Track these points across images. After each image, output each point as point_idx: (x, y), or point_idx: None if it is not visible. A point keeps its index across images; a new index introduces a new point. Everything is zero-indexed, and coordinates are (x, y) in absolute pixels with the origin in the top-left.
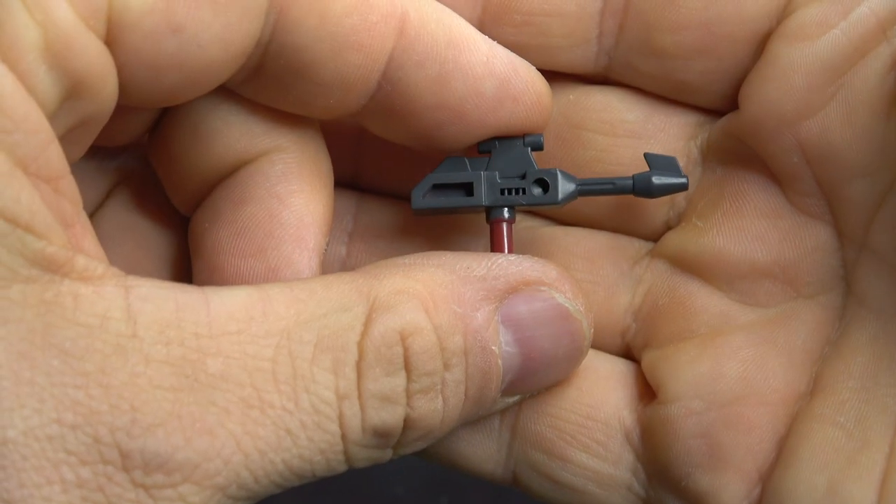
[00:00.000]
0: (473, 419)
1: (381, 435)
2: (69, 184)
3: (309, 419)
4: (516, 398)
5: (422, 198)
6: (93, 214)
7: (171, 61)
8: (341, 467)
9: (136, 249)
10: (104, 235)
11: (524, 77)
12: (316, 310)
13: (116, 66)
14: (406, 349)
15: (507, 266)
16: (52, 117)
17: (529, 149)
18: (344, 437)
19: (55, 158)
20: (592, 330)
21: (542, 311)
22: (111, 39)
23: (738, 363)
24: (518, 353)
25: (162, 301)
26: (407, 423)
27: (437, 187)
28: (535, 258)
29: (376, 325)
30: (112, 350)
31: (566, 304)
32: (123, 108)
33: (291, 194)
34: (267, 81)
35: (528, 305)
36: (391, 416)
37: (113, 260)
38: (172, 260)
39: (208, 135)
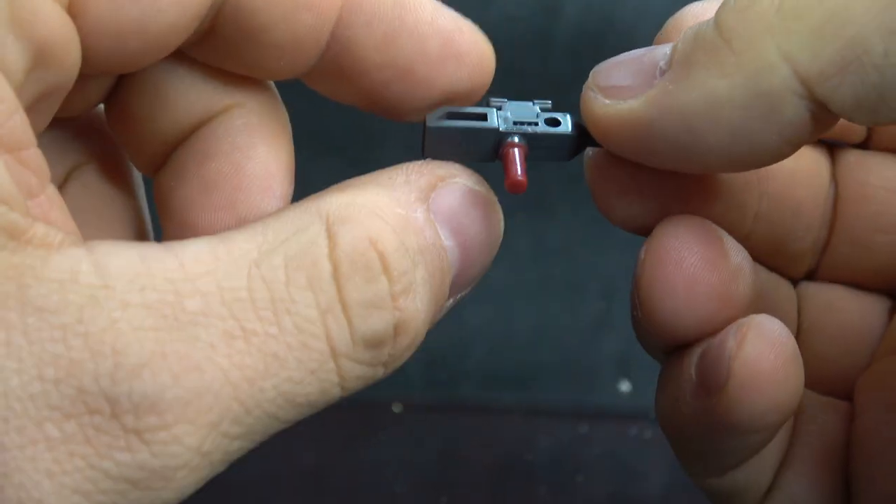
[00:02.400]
0: (430, 326)
1: (372, 345)
2: (35, 155)
3: (294, 340)
4: (451, 301)
5: (436, 119)
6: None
7: (133, 27)
8: (335, 390)
9: (99, 229)
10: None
11: (468, 36)
12: (276, 237)
13: (81, 35)
14: (380, 253)
15: (419, 168)
16: (20, 88)
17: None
18: (333, 351)
19: (19, 129)
20: (502, 215)
21: (465, 200)
22: (75, 9)
23: None
24: (456, 246)
25: (127, 254)
26: (397, 328)
27: (452, 115)
28: (441, 162)
29: (342, 236)
30: (86, 301)
31: (479, 189)
32: (82, 76)
33: (254, 146)
34: (219, 43)
35: (451, 197)
36: (380, 322)
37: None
38: (138, 237)
39: (167, 96)
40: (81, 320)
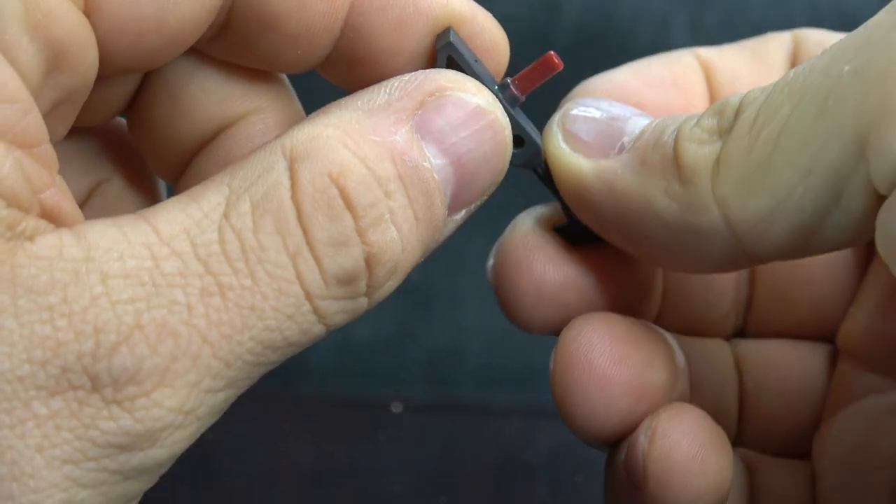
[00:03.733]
0: (433, 244)
1: (345, 282)
2: (46, 150)
3: (268, 289)
4: (463, 213)
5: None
6: None
7: (151, 23)
8: (317, 328)
9: None
10: None
11: (482, 21)
12: (243, 182)
13: (99, 35)
14: (341, 188)
15: (404, 85)
16: (37, 91)
17: None
18: (308, 294)
19: (33, 126)
20: (508, 120)
21: (456, 114)
22: (91, 8)
23: None
24: (448, 164)
25: (106, 227)
26: (369, 262)
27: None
28: (427, 70)
29: (302, 174)
30: (71, 277)
31: (475, 100)
32: (102, 81)
33: None
34: (235, 37)
35: (440, 113)
36: (349, 259)
37: None
38: None
39: (187, 103)
40: (66, 299)
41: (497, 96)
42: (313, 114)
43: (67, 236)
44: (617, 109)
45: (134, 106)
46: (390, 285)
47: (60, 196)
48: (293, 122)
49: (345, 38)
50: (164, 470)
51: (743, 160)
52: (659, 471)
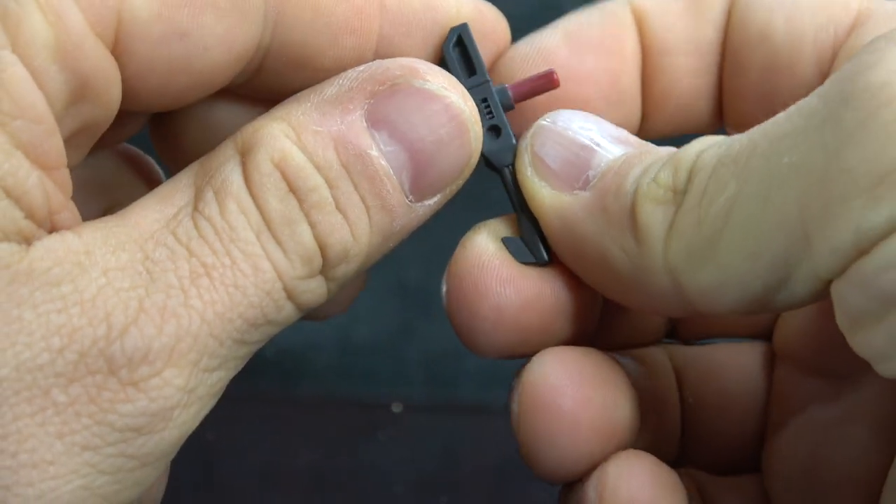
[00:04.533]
0: (399, 232)
1: (306, 260)
2: (64, 174)
3: (246, 266)
4: (436, 198)
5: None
6: None
7: (180, 65)
8: (289, 307)
9: None
10: None
11: (490, 20)
12: (204, 176)
13: (127, 75)
14: (283, 172)
15: (356, 76)
16: (59, 118)
17: None
18: (278, 272)
19: (54, 149)
20: (471, 101)
21: (405, 100)
22: (122, 48)
23: None
24: (401, 149)
25: (96, 227)
26: (319, 243)
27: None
28: (380, 60)
29: (249, 162)
30: (78, 269)
31: (426, 86)
32: (125, 112)
33: None
34: (269, 78)
35: (389, 100)
36: (302, 235)
37: None
38: None
39: (219, 130)
40: (77, 288)
41: (489, 84)
42: (271, 109)
43: (70, 235)
44: (588, 135)
45: (162, 131)
46: (345, 269)
47: (72, 221)
48: None
49: None
50: (172, 456)
51: (693, 233)
52: None
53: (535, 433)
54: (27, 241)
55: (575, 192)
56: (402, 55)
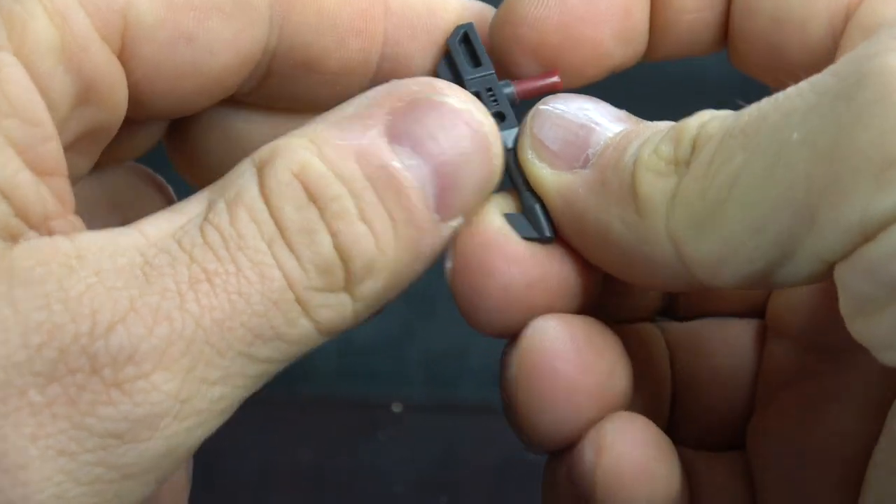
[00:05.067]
0: (427, 252)
1: (324, 270)
2: (61, 184)
3: (252, 273)
4: (460, 220)
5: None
6: None
7: (186, 69)
8: (304, 322)
9: None
10: None
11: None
12: (219, 190)
13: (134, 79)
14: (303, 182)
15: (375, 94)
16: (64, 121)
17: None
18: (289, 281)
19: (51, 155)
20: (491, 118)
21: (426, 115)
22: (128, 52)
23: None
24: (423, 163)
25: (95, 233)
26: (341, 253)
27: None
28: (398, 80)
29: (267, 174)
30: (66, 270)
31: (446, 101)
32: (132, 123)
33: None
34: (277, 83)
35: (409, 116)
36: (321, 245)
37: None
38: None
39: (238, 141)
40: (62, 287)
41: (493, 76)
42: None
43: (61, 238)
44: (586, 115)
45: (177, 144)
46: (373, 287)
47: (74, 231)
48: None
49: (382, 71)
50: (162, 475)
51: (697, 203)
52: (607, 484)
53: (533, 397)
54: (13, 239)
55: (575, 170)
56: (407, 58)
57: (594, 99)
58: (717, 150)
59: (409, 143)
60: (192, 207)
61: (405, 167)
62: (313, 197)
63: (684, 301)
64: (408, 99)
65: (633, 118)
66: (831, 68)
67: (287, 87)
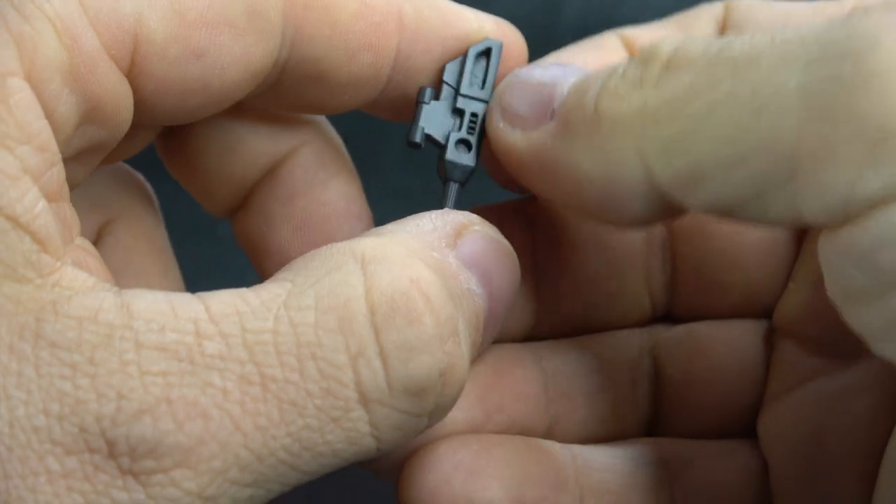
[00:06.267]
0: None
1: (414, 392)
2: (67, 208)
3: (315, 387)
4: (475, 353)
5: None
6: None
7: (196, 84)
8: (367, 440)
9: (137, 285)
10: None
11: (511, 40)
12: (307, 279)
13: (143, 95)
14: (424, 294)
15: (443, 216)
16: (68, 139)
17: (434, 99)
18: (363, 398)
19: (56, 180)
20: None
21: (489, 248)
22: (137, 70)
23: None
24: (484, 294)
25: (155, 298)
26: (445, 375)
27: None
28: (450, 210)
29: (381, 276)
30: (101, 340)
31: (500, 239)
32: (134, 127)
33: (331, 179)
34: (284, 91)
35: (476, 246)
36: (423, 367)
37: None
38: (175, 290)
39: (234, 146)
40: (92, 360)
41: (483, 108)
42: (365, 232)
43: (109, 302)
44: (550, 74)
45: (174, 149)
46: (451, 406)
47: (85, 254)
48: (336, 148)
49: (393, 82)
50: None
51: (669, 123)
52: None
53: None
54: (43, 276)
55: (543, 125)
56: (419, 72)
57: (559, 63)
58: (698, 73)
59: (475, 271)
60: (272, 288)
61: (477, 294)
62: (433, 311)
63: (682, 306)
64: (469, 226)
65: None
66: (842, 20)
67: (293, 95)
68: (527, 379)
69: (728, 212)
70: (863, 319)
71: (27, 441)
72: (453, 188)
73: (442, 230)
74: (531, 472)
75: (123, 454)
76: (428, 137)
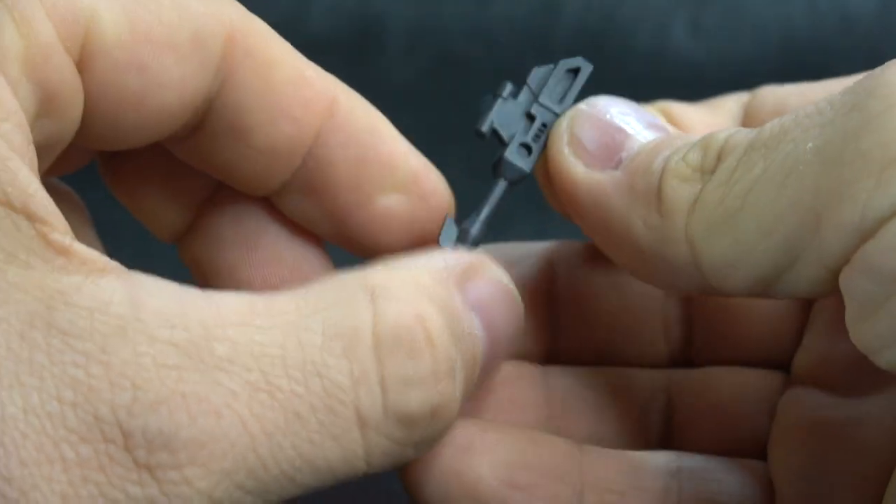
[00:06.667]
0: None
1: (405, 423)
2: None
3: (320, 402)
4: (469, 392)
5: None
6: None
7: (132, 98)
8: (359, 463)
9: None
10: None
11: (433, 178)
12: (318, 303)
13: (85, 94)
14: (426, 331)
15: (454, 256)
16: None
17: (512, 97)
18: (361, 421)
19: (33, 159)
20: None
21: (495, 292)
22: (82, 66)
23: None
24: (485, 337)
25: (166, 293)
26: (434, 411)
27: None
28: (458, 250)
29: (389, 310)
30: (113, 331)
31: (508, 283)
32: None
33: (283, 198)
34: (205, 140)
35: (485, 289)
36: (418, 400)
37: None
38: None
39: (178, 166)
40: (105, 349)
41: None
42: (377, 265)
43: (119, 294)
44: (623, 119)
45: (116, 173)
46: (437, 441)
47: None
48: None
49: (305, 167)
50: None
51: (715, 208)
52: None
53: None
54: (45, 261)
55: (607, 171)
56: (331, 165)
57: (633, 104)
58: (740, 159)
59: (481, 315)
60: (281, 304)
61: (479, 338)
62: (433, 347)
63: (697, 355)
64: (478, 269)
65: (670, 127)
66: (848, 87)
67: (212, 149)
68: (527, 390)
69: (766, 288)
70: (869, 332)
71: (42, 427)
72: (501, 186)
73: (453, 269)
74: (527, 457)
75: (140, 446)
76: (494, 132)
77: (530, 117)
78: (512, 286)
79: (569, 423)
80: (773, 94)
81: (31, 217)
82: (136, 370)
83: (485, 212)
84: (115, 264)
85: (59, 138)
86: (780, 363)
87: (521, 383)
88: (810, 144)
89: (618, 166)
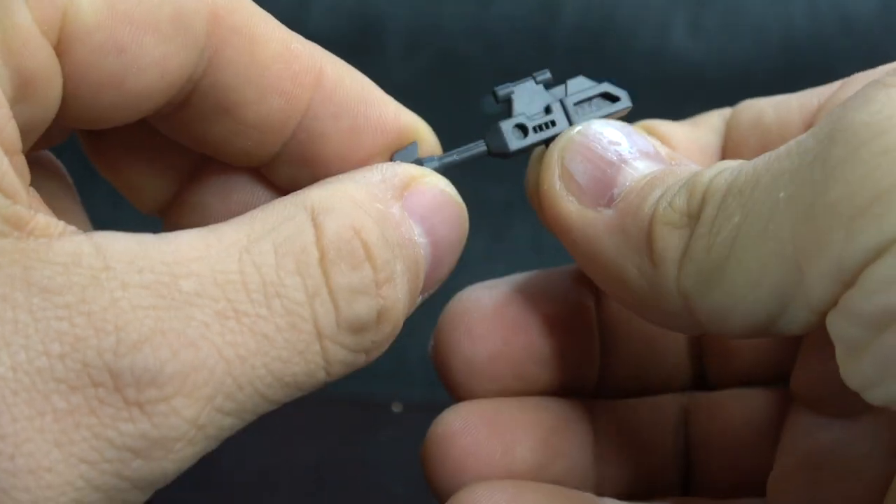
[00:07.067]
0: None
1: (356, 330)
2: (21, 161)
3: (283, 321)
4: (420, 300)
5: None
6: None
7: (112, 80)
8: (320, 373)
9: None
10: None
11: (426, 134)
12: (263, 226)
13: (62, 77)
14: (364, 242)
15: (393, 168)
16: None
17: (543, 86)
18: (319, 334)
19: (13, 134)
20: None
21: (436, 200)
22: (61, 50)
23: None
24: (428, 244)
25: (124, 240)
26: (380, 316)
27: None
28: (398, 162)
29: (328, 224)
30: (89, 281)
31: (449, 190)
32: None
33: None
34: (192, 117)
35: (424, 197)
36: (364, 307)
37: None
38: None
39: (162, 139)
40: (84, 299)
41: (566, 111)
42: (315, 183)
43: (87, 246)
44: (616, 151)
45: (98, 148)
46: (385, 345)
47: (38, 204)
48: None
49: (296, 139)
50: (161, 486)
51: (703, 258)
52: None
53: (431, 479)
54: (20, 228)
55: (599, 209)
56: (324, 137)
57: (626, 128)
58: (719, 207)
59: (420, 222)
60: (231, 234)
61: (419, 244)
62: (371, 257)
63: (712, 373)
64: (417, 179)
65: (663, 151)
66: (812, 130)
67: (198, 124)
68: (579, 435)
69: (763, 332)
70: (857, 372)
71: (31, 383)
72: (479, 147)
73: (390, 181)
74: None
75: (129, 385)
76: (508, 100)
77: (548, 111)
78: (454, 193)
79: (612, 466)
80: (750, 109)
81: (3, 190)
82: (116, 314)
83: (449, 157)
84: (72, 228)
85: (38, 121)
86: (784, 378)
87: (576, 428)
88: (782, 194)
89: (610, 203)
